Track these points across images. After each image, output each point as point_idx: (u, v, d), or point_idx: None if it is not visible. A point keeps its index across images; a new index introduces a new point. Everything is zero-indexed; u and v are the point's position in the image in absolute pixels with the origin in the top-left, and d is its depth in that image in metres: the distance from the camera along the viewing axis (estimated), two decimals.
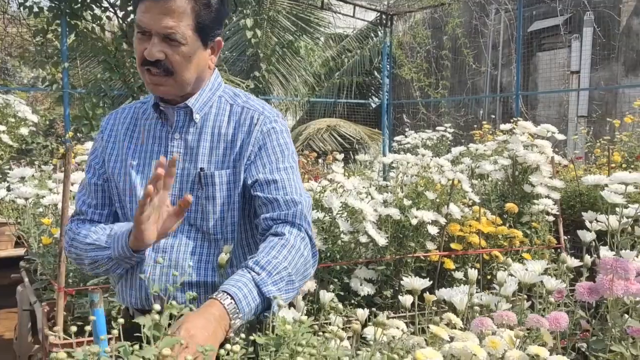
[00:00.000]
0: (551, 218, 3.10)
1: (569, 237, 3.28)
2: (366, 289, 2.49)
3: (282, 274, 1.17)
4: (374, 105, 13.36)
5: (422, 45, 8.60)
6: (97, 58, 6.36)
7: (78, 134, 6.06)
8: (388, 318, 1.30)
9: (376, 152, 9.24)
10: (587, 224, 1.78)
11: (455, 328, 1.25)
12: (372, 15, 11.31)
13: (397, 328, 1.24)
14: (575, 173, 4.16)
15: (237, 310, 1.08)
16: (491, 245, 2.86)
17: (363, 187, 2.70)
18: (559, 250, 3.19)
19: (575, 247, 3.52)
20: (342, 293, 2.48)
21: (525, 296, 1.40)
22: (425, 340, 1.21)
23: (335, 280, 2.47)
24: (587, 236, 1.69)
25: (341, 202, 2.39)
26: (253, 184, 1.34)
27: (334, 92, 12.23)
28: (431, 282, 2.77)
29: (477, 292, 1.87)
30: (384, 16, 9.05)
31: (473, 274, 1.42)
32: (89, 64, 8.44)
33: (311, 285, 2.45)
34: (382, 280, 2.64)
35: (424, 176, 2.70)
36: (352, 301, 2.49)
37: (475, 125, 7.02)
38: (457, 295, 1.41)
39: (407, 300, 1.48)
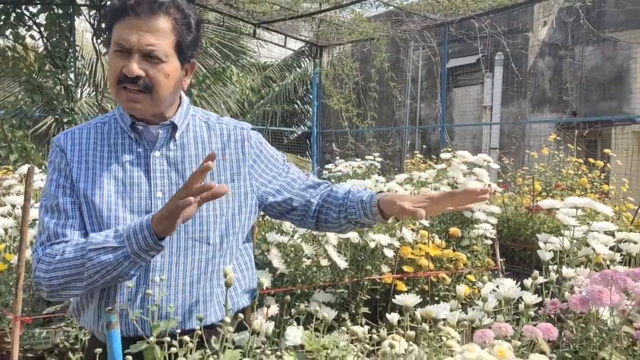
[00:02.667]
0: (489, 242, 3.30)
1: (504, 259, 3.52)
2: (325, 310, 2.53)
3: None
4: (296, 134, 13.56)
5: (350, 77, 8.89)
6: (17, 78, 6.03)
7: None
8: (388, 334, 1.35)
9: None
10: (541, 244, 1.94)
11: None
12: (297, 46, 11.58)
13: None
14: (503, 200, 4.46)
15: None
16: (437, 267, 3.00)
17: None
18: (495, 271, 3.40)
19: (509, 270, 3.78)
20: (301, 317, 2.51)
21: (506, 310, 1.51)
22: (427, 353, 1.27)
23: (296, 304, 2.49)
24: (545, 255, 1.84)
25: None
26: (277, 192, 1.53)
27: (258, 120, 12.30)
28: (384, 303, 2.88)
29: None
30: (313, 47, 9.27)
31: (461, 289, 1.51)
32: (8, 84, 7.99)
33: (274, 309, 2.46)
34: (339, 303, 2.69)
35: None
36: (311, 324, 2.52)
37: (408, 154, 7.30)
38: (442, 312, 1.49)
39: (393, 317, 1.54)
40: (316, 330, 1.35)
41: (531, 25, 9.54)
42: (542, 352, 1.19)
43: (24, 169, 3.87)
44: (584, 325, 1.46)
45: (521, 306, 1.52)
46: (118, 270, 1.25)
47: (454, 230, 3.17)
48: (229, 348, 1.01)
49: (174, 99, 1.41)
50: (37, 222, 2.43)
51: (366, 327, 1.37)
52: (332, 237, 2.46)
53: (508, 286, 1.53)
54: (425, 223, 2.97)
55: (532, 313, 1.47)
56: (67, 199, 1.36)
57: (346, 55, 9.38)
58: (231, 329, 0.98)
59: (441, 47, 8.91)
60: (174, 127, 1.41)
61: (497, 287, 1.53)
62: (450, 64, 10.25)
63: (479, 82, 10.28)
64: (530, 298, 1.46)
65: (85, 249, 1.26)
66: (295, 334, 1.29)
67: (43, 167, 5.33)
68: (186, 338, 1.12)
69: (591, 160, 5.06)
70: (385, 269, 2.78)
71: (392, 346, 1.00)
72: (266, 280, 2.37)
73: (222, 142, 1.47)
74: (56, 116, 5.99)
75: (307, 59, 12.74)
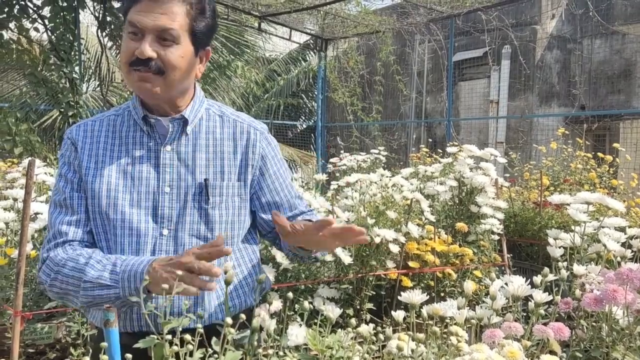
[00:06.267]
0: (495, 237, 3.25)
1: (510, 255, 3.47)
2: (329, 308, 2.50)
3: None
4: (300, 128, 13.52)
5: (356, 70, 8.83)
6: (22, 71, 6.00)
7: None
8: (394, 332, 1.31)
9: (310, 173, 9.33)
10: (551, 240, 1.89)
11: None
12: (302, 39, 11.51)
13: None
14: (510, 195, 4.41)
15: None
16: (443, 263, 2.96)
17: (324, 205, 2.73)
18: (502, 267, 3.35)
19: (516, 266, 3.73)
20: (305, 313, 2.48)
21: (516, 308, 1.47)
22: (434, 353, 1.23)
23: (301, 299, 2.46)
24: (556, 252, 1.80)
25: None
26: (269, 208, 1.48)
27: (263, 113, 12.26)
28: (389, 299, 2.84)
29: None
30: (318, 40, 9.21)
31: (469, 287, 1.47)
32: (13, 77, 7.96)
33: (277, 305, 2.43)
34: (344, 299, 2.66)
35: (384, 195, 2.76)
36: (315, 321, 2.49)
37: (414, 148, 7.24)
38: (450, 310, 1.45)
39: (399, 315, 1.51)
40: (320, 326, 1.32)
41: (539, 18, 9.43)
42: (553, 352, 1.15)
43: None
44: (595, 324, 1.42)
45: (530, 304, 1.48)
46: (111, 304, 1.23)
47: (461, 225, 3.13)
48: (229, 350, 0.98)
49: (187, 84, 1.37)
50: (38, 215, 2.41)
51: (371, 326, 1.34)
52: None
53: (517, 284, 1.49)
54: (432, 218, 2.93)
55: (542, 311, 1.43)
56: (74, 194, 1.35)
57: (351, 48, 9.30)
58: (232, 330, 0.94)
59: (447, 40, 8.83)
60: (185, 122, 1.39)
61: (506, 284, 1.48)
62: (457, 57, 10.16)
63: (485, 75, 10.18)
64: (541, 296, 1.42)
65: (82, 278, 1.25)
66: (297, 334, 1.25)
67: (48, 161, 5.32)
68: (187, 337, 1.08)
69: (600, 154, 5.00)
70: (390, 264, 2.74)
71: (400, 348, 0.96)
72: (270, 276, 2.34)
73: (233, 138, 1.43)
74: (61, 109, 5.95)
75: (312, 53, 12.68)
